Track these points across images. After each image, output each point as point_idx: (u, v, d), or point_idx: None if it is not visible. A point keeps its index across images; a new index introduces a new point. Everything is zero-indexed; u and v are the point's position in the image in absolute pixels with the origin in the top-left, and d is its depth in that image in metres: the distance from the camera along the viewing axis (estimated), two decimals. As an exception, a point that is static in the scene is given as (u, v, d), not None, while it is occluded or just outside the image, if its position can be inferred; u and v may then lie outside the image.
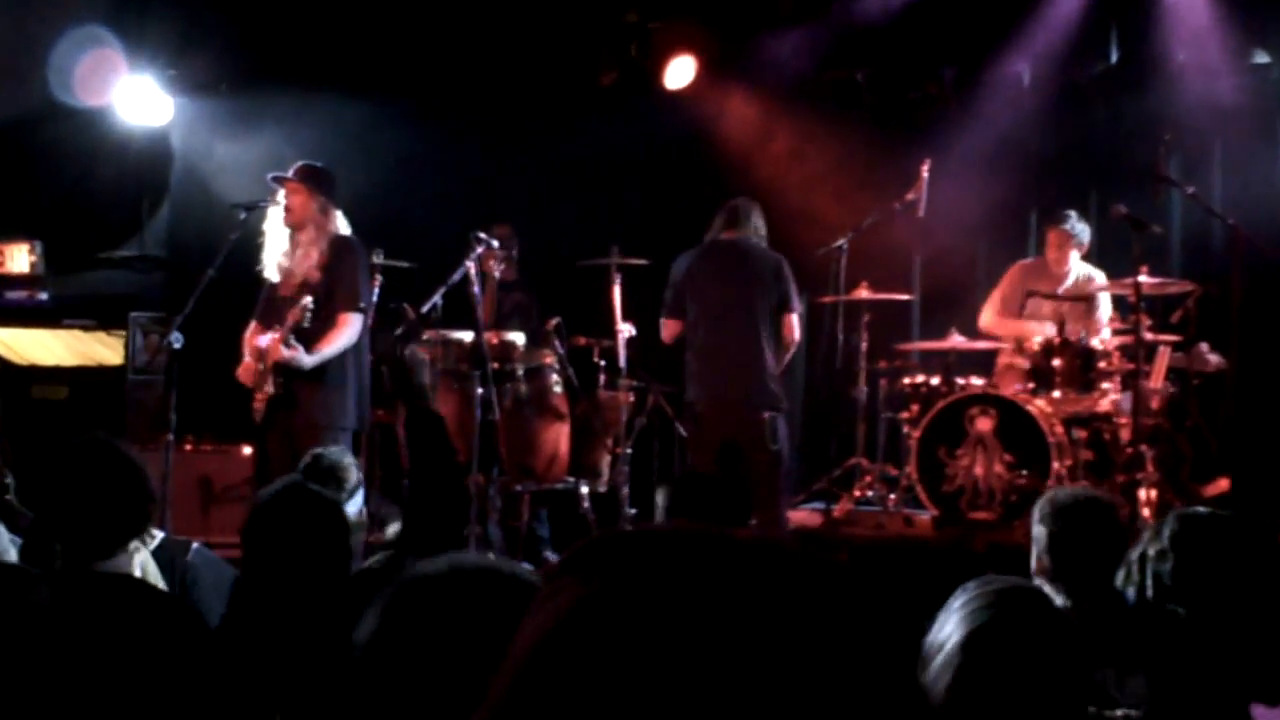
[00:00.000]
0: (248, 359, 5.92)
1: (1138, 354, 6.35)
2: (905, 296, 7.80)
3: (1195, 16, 7.65)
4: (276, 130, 8.05)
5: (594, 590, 0.83)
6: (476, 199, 8.43)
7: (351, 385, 5.95)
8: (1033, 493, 5.75)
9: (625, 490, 6.87)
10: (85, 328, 8.12)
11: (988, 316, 7.38)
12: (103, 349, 8.11)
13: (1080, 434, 6.68)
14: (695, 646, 0.80)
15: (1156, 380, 6.79)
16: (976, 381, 6.97)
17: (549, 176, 8.73)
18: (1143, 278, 6.32)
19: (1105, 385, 6.70)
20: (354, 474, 4.35)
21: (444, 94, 8.53)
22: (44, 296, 8.12)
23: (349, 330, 5.87)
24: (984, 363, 7.37)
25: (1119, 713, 2.28)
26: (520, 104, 8.60)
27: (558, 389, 7.07)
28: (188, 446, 7.01)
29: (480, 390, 6.18)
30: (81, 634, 1.28)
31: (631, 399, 7.22)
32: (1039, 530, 3.36)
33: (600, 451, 7.17)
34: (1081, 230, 7.23)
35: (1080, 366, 6.70)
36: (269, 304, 5.99)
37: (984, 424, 6.65)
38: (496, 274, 7.38)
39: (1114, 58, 7.97)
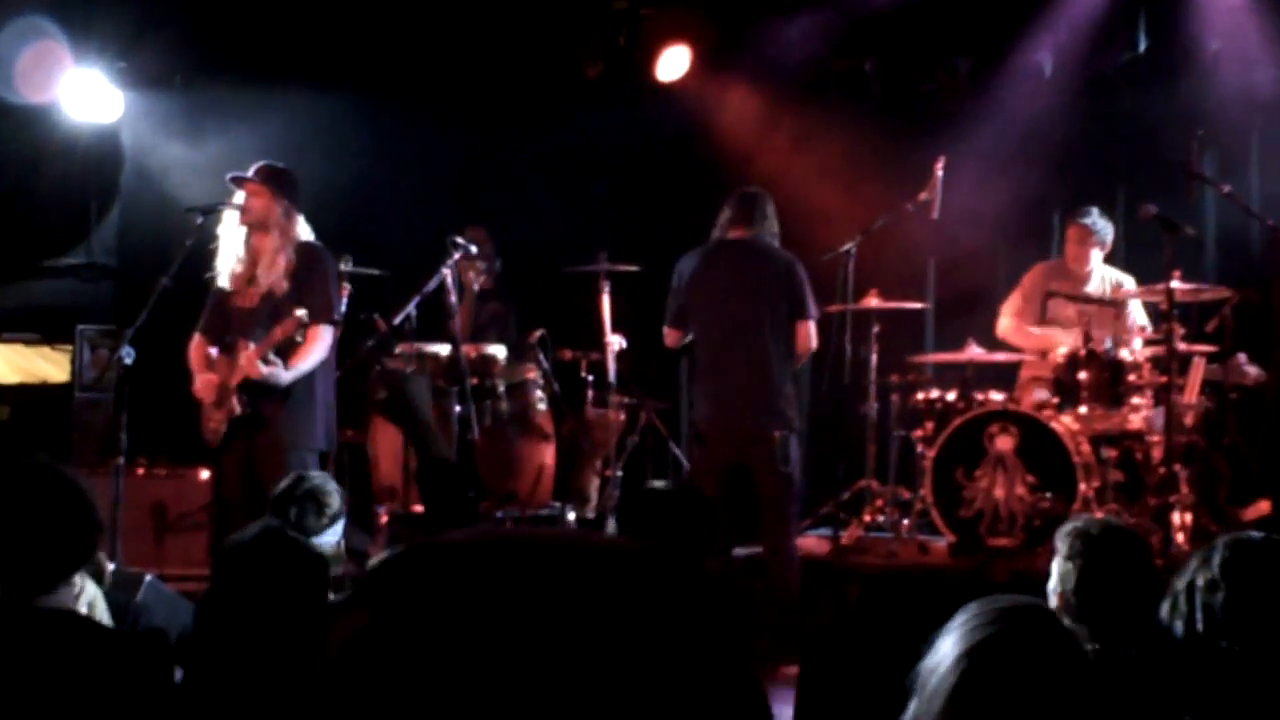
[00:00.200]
0: (207, 374, 5.90)
1: (1170, 366, 6.35)
2: (918, 305, 7.80)
3: (1230, 1, 7.67)
4: (235, 127, 8.04)
5: (373, 623, 0.88)
6: (452, 201, 8.42)
7: (319, 403, 5.93)
8: (1057, 517, 5.75)
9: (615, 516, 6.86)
10: (28, 342, 8.10)
11: (1006, 323, 7.38)
12: (47, 365, 8.08)
13: (1109, 453, 6.68)
14: (483, 668, 0.85)
15: (1191, 395, 6.79)
16: (996, 396, 6.97)
17: (531, 176, 8.73)
18: (1175, 283, 6.33)
19: (1136, 400, 6.70)
20: (336, 500, 4.34)
21: (416, 87, 8.53)
22: (-17, 309, 8.12)
23: (321, 345, 5.86)
24: (1004, 376, 7.36)
25: None
26: (499, 97, 8.60)
27: (542, 406, 7.06)
28: (140, 471, 6.99)
29: (458, 408, 6.18)
30: (17, 673, 1.27)
31: (622, 417, 7.22)
32: (1066, 566, 3.33)
33: (588, 474, 7.16)
34: (1104, 228, 7.24)
35: (1109, 380, 6.70)
36: (221, 315, 5.97)
37: (1004, 443, 6.65)
38: (477, 285, 7.38)
39: (1142, 46, 7.98)
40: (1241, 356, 6.91)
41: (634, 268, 7.26)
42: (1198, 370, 6.85)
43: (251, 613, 2.73)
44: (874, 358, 7.32)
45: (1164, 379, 6.47)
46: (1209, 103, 7.70)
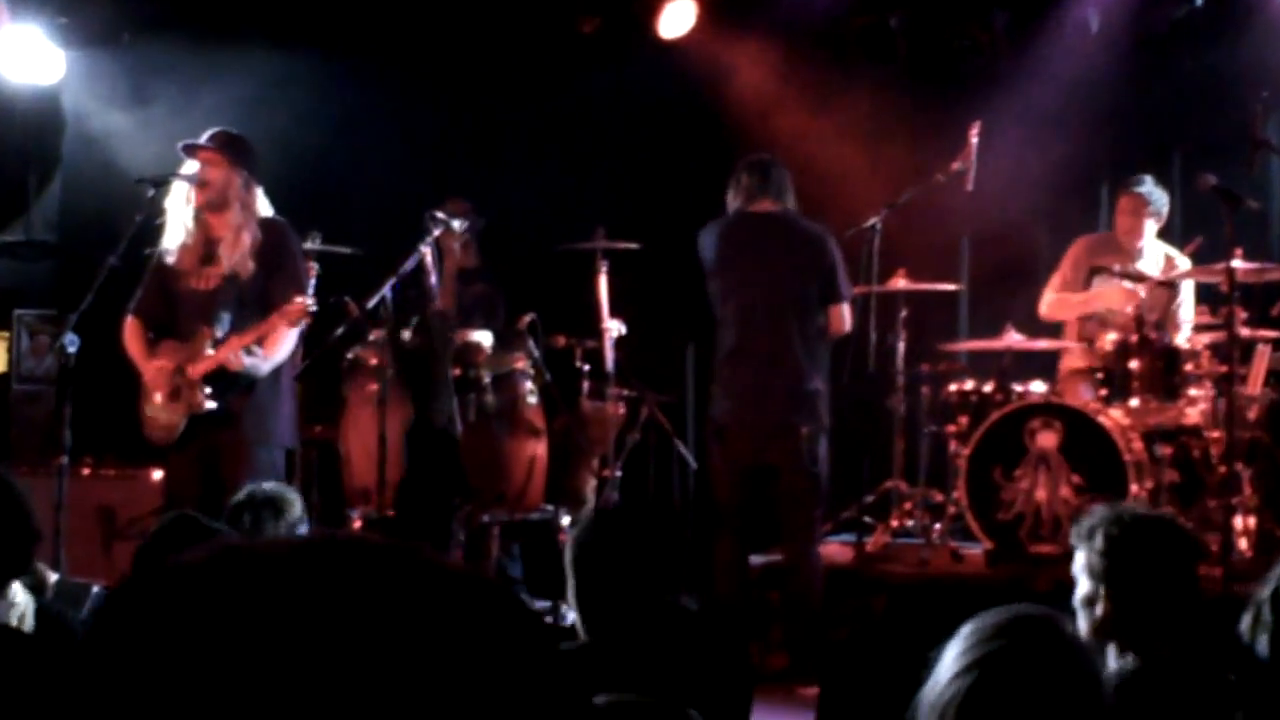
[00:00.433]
0: (156, 362, 5.88)
1: (1231, 354, 6.34)
2: (951, 286, 7.80)
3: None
4: (188, 90, 8.02)
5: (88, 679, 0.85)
6: (431, 171, 8.41)
7: (286, 396, 5.95)
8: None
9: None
10: (-41, 329, 8.08)
11: (1048, 298, 7.36)
12: (-19, 354, 8.07)
13: (1163, 450, 6.67)
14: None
15: (1254, 385, 6.78)
16: (1037, 388, 6.97)
17: (519, 143, 8.72)
18: (1237, 262, 6.31)
19: (1193, 392, 6.69)
20: (297, 507, 4.34)
21: (389, 44, 8.51)
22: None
23: (295, 332, 5.87)
24: (1046, 365, 7.36)
25: None
26: (484, 56, 8.57)
27: (532, 399, 7.04)
28: (85, 471, 6.99)
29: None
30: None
31: (621, 411, 7.21)
32: (1094, 560, 3.29)
33: (584, 474, 7.15)
34: (1159, 198, 7.22)
35: (1162, 369, 6.69)
36: (164, 296, 5.96)
37: (1047, 439, 6.64)
38: (456, 248, 7.35)
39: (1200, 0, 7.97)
40: (1311, 343, 6.90)
41: (634, 245, 7.24)
42: (1262, 358, 6.84)
43: None
44: (901, 345, 7.32)
45: (1224, 368, 6.45)
46: (1274, 62, 7.67)
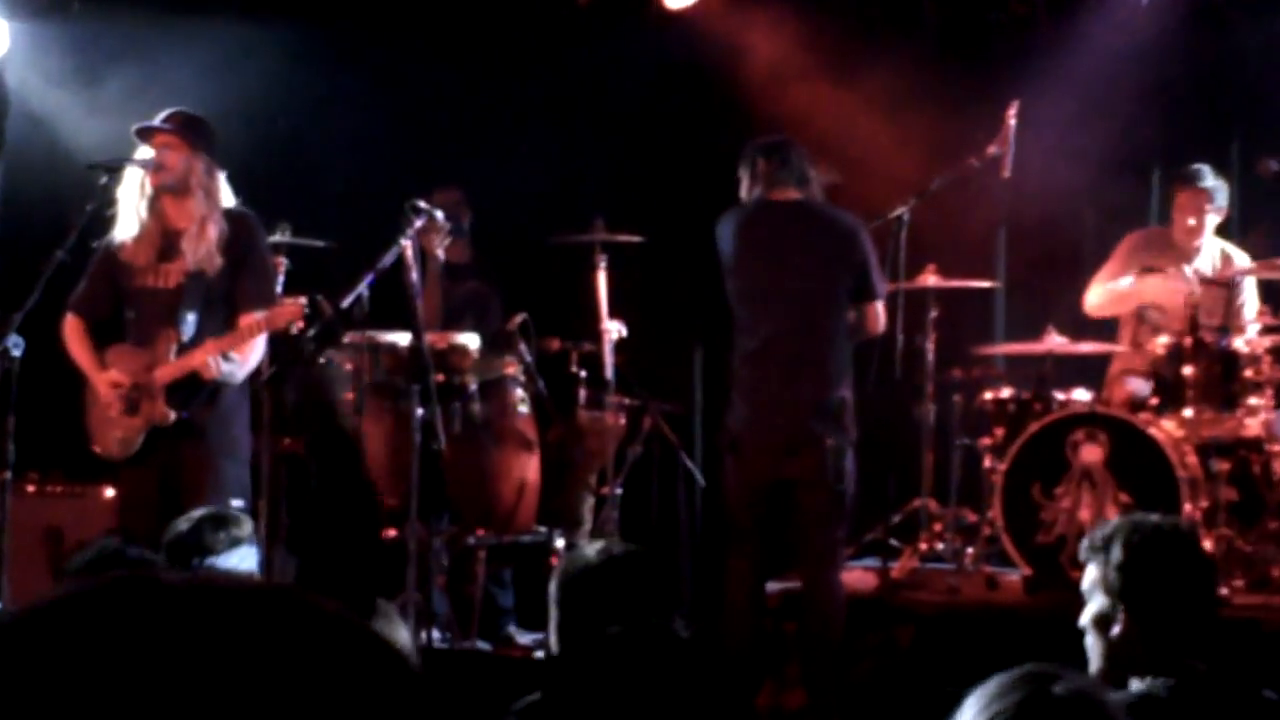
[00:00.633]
0: (107, 373, 5.88)
1: (1296, 359, 6.35)
2: (985, 283, 7.80)
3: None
4: (143, 65, 8.01)
5: None
6: (412, 156, 8.40)
7: (247, 405, 5.96)
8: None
9: (614, 543, 6.85)
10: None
11: (1094, 292, 7.34)
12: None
13: (1220, 465, 6.67)
14: None
15: (1321, 393, 6.79)
16: (1081, 396, 6.97)
17: (510, 124, 8.71)
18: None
19: (1253, 400, 6.69)
20: (246, 526, 4.34)
21: (365, 13, 8.51)
22: None
23: (265, 335, 5.89)
24: (1091, 371, 7.36)
25: None
26: (472, 27, 8.58)
27: (523, 409, 7.04)
28: (30, 488, 6.99)
29: (420, 411, 6.15)
30: None
31: (622, 421, 7.21)
32: (1109, 574, 3.27)
33: (581, 492, 7.15)
34: (1220, 192, 7.23)
35: (1220, 375, 6.69)
36: (111, 294, 5.96)
37: (1091, 453, 6.64)
38: (441, 255, 7.36)
39: (1261, -35, 7.98)
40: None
41: (636, 238, 7.25)
42: (1330, 364, 6.84)
43: None
44: (931, 349, 7.32)
45: (1288, 375, 6.46)
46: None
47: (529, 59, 8.58)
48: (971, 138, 7.26)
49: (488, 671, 6.28)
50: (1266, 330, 6.91)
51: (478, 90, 8.71)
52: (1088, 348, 7.27)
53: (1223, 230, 7.41)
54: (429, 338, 6.52)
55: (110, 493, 6.90)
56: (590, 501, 7.16)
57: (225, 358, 5.75)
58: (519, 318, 7.15)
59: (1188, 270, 7.04)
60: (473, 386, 6.90)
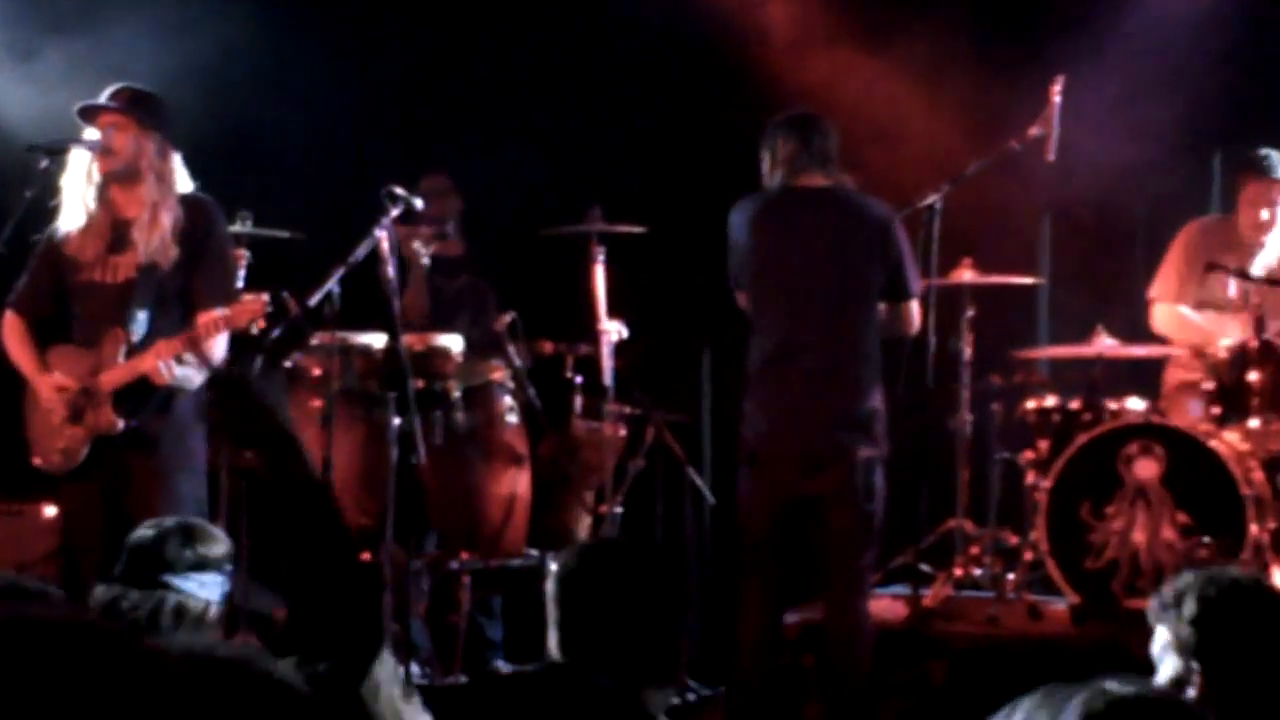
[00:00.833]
0: (50, 376, 5.87)
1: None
2: (1028, 280, 7.78)
3: None
4: (84, 36, 7.99)
5: None
6: (392, 137, 8.40)
7: (202, 413, 5.96)
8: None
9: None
10: None
11: (1164, 312, 7.30)
12: None
13: (1289, 483, 6.68)
14: None
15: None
16: (1135, 406, 6.96)
17: (500, 105, 8.71)
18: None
19: (1326, 411, 6.69)
20: (220, 546, 4.29)
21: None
22: None
23: (226, 336, 5.89)
24: (1146, 378, 7.36)
25: None
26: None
27: (512, 418, 7.04)
28: (-37, 506, 6.98)
29: (398, 421, 6.15)
30: None
31: (622, 433, 7.20)
32: (1183, 632, 3.27)
33: (576, 510, 7.15)
34: (1289, 177, 7.22)
35: (1289, 382, 6.69)
36: (56, 289, 5.95)
37: (1146, 468, 6.64)
38: (424, 254, 7.35)
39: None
40: None
41: (638, 229, 7.23)
42: None
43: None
44: (968, 352, 7.34)
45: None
46: None
47: (518, 26, 8.58)
48: (1012, 116, 7.25)
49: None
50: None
51: (462, 62, 8.71)
52: (1142, 351, 7.27)
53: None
54: (408, 339, 6.51)
55: (51, 511, 6.90)
56: (587, 521, 7.17)
57: (180, 360, 5.73)
58: (507, 317, 7.16)
59: (1255, 270, 7.02)
60: (456, 393, 6.91)
